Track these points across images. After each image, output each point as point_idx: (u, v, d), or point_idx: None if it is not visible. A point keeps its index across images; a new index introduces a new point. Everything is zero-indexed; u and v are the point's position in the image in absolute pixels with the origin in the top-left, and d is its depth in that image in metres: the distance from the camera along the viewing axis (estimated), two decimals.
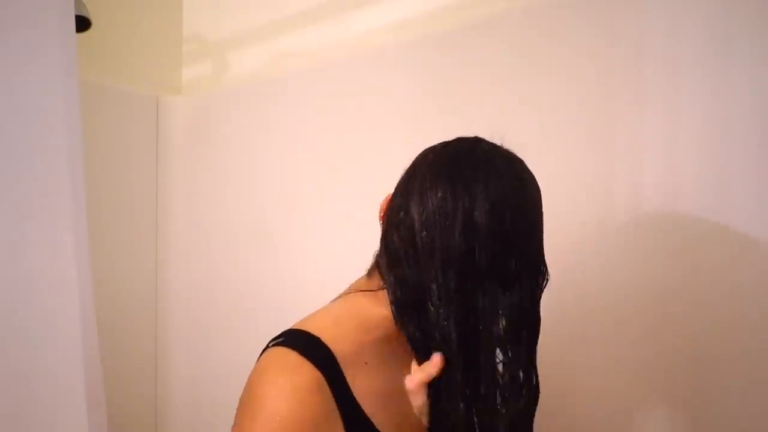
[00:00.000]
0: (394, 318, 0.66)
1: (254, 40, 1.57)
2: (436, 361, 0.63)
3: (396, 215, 0.67)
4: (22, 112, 0.88)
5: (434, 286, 0.63)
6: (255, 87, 1.49)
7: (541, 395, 0.68)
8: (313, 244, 1.36)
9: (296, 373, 0.62)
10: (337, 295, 0.75)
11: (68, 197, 0.88)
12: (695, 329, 0.89)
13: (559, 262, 0.96)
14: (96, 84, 1.46)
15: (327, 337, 0.65)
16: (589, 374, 0.99)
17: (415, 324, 0.65)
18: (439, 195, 0.64)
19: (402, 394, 0.68)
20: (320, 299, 0.76)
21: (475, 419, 0.64)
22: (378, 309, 0.69)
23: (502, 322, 0.64)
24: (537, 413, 0.68)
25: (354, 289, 0.73)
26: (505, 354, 0.64)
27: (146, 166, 1.61)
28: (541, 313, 0.68)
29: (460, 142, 0.70)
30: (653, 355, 0.93)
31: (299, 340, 0.65)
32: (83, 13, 1.25)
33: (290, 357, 0.63)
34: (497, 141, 0.70)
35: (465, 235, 0.62)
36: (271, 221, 1.44)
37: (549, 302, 0.88)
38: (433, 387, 0.64)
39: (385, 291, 0.68)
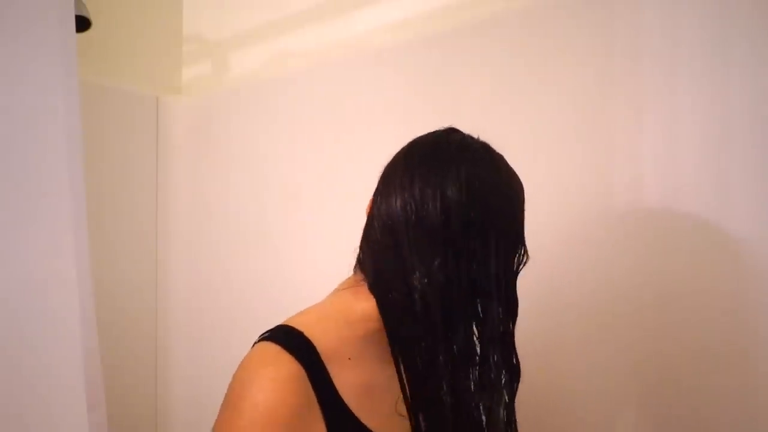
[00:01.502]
0: (378, 304, 0.68)
1: (255, 40, 1.57)
2: None
3: (376, 208, 0.70)
4: (22, 112, 0.88)
5: (414, 266, 0.65)
6: (255, 87, 1.49)
7: (538, 397, 0.68)
8: (314, 244, 1.36)
9: (275, 365, 0.64)
10: (329, 293, 0.77)
11: (68, 197, 0.88)
12: (692, 330, 0.89)
13: (558, 265, 0.96)
14: (96, 84, 1.46)
15: (310, 333, 0.67)
16: (583, 374, 0.99)
17: (397, 308, 0.67)
18: (415, 182, 0.67)
19: (384, 388, 0.69)
20: (320, 298, 0.76)
21: (452, 398, 0.65)
22: (360, 304, 0.70)
23: (479, 298, 0.66)
24: (530, 411, 0.68)
25: (342, 286, 0.75)
26: (479, 328, 0.67)
27: (146, 166, 1.61)
28: (535, 311, 0.69)
29: (434, 133, 0.73)
30: (649, 354, 0.93)
31: (282, 335, 0.67)
32: (83, 13, 1.25)
33: (271, 350, 0.65)
34: (474, 134, 0.72)
35: (439, 210, 0.65)
36: (272, 221, 1.44)
37: (546, 304, 0.88)
38: (412, 366, 0.66)
39: (366, 284, 0.70)
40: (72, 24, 0.92)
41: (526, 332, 0.75)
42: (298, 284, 1.37)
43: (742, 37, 0.86)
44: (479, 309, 0.67)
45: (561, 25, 1.03)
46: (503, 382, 0.68)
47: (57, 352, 0.88)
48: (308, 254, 1.37)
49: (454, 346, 0.65)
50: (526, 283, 0.72)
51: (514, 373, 0.69)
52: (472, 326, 0.67)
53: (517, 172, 0.71)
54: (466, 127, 0.75)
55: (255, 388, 0.62)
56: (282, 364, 0.64)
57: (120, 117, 1.55)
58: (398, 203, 0.67)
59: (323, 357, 0.66)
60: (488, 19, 1.13)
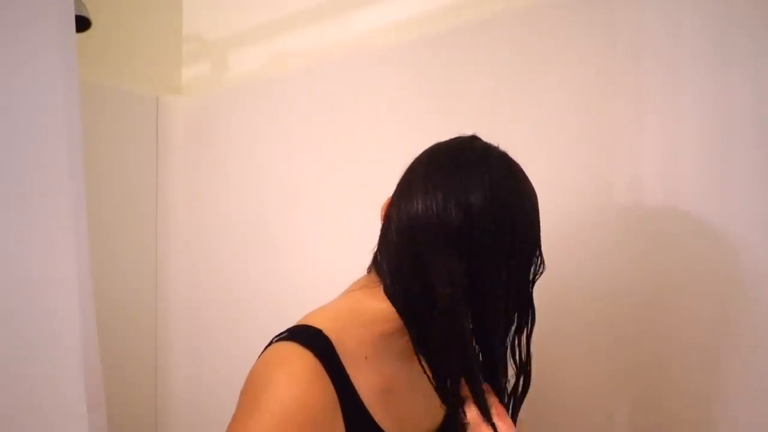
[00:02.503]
0: (394, 305, 0.68)
1: (254, 40, 1.57)
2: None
3: (395, 211, 0.69)
4: (22, 112, 0.88)
5: (433, 271, 0.65)
6: (255, 87, 1.49)
7: (535, 394, 0.70)
8: (314, 244, 1.36)
9: (296, 363, 0.63)
10: (340, 294, 0.76)
11: (68, 197, 0.88)
12: (690, 329, 0.89)
13: (557, 265, 0.96)
14: (96, 84, 1.46)
15: (328, 331, 0.67)
16: (579, 372, 0.99)
17: (415, 311, 0.67)
18: (438, 187, 0.66)
19: (400, 388, 0.70)
20: (321, 298, 0.76)
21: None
22: (377, 305, 0.70)
23: (500, 303, 0.66)
24: (527, 407, 0.70)
25: (354, 287, 0.75)
26: (501, 335, 0.68)
27: (146, 166, 1.61)
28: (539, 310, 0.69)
29: (457, 140, 0.72)
30: (646, 353, 0.93)
31: (301, 333, 0.67)
32: (83, 13, 1.25)
33: (290, 348, 0.65)
34: (493, 142, 0.72)
35: (461, 216, 0.64)
36: (272, 221, 1.44)
37: (545, 303, 0.88)
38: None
39: (382, 285, 0.70)
40: (72, 24, 0.92)
41: None
42: (298, 284, 1.37)
43: (743, 37, 0.86)
44: (501, 313, 0.67)
45: (562, 24, 1.03)
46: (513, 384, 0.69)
47: (57, 352, 0.88)
48: (308, 254, 1.37)
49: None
50: None
51: (527, 377, 0.70)
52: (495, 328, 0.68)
53: None
54: (467, 127, 0.75)
55: (278, 388, 0.62)
56: (305, 364, 0.63)
57: (120, 117, 1.55)
58: (419, 207, 0.66)
59: (341, 356, 0.66)
60: (488, 19, 1.13)
